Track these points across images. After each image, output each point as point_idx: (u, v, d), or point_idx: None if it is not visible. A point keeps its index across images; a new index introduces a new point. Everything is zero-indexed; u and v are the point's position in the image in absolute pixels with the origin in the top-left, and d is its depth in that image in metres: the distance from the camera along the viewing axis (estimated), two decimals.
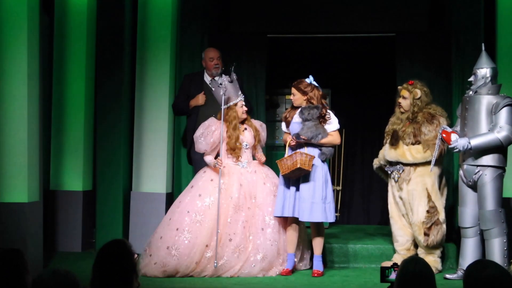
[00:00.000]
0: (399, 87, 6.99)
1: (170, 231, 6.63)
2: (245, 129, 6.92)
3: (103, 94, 8.07)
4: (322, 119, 6.72)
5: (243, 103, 6.89)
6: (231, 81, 6.83)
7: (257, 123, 7.07)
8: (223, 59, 7.73)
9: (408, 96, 6.85)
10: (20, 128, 6.48)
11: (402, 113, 6.92)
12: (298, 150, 6.62)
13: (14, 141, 6.47)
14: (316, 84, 6.78)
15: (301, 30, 8.73)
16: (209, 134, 6.78)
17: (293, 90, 6.79)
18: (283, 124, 6.96)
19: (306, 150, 6.67)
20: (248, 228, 6.66)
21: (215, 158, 6.80)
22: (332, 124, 6.77)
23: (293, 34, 8.86)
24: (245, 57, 8.38)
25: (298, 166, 6.46)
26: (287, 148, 6.77)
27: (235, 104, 6.83)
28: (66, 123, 8.04)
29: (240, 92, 6.91)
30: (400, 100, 6.92)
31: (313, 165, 6.59)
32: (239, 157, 6.81)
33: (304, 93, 6.73)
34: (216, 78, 7.14)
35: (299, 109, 6.76)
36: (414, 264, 3.44)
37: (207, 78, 7.65)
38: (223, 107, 6.75)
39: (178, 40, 8.15)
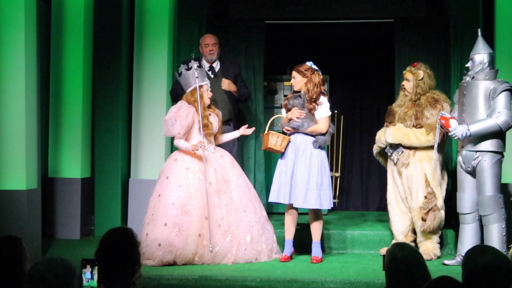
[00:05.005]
0: (404, 71, 6.99)
1: (157, 227, 6.50)
2: (210, 115, 6.89)
3: (101, 81, 8.05)
4: (314, 103, 6.71)
5: (209, 87, 6.87)
6: (188, 69, 6.80)
7: (217, 110, 7.06)
8: (221, 45, 7.71)
9: (411, 78, 6.84)
10: (18, 115, 6.47)
11: (406, 96, 6.91)
12: (270, 131, 6.72)
13: (13, 128, 6.46)
14: (317, 68, 6.77)
15: (300, 16, 8.69)
16: (182, 116, 6.70)
17: (294, 73, 6.77)
18: (283, 111, 6.94)
19: (297, 137, 6.70)
20: (231, 211, 6.66)
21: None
22: (321, 110, 6.74)
23: (292, 20, 8.82)
24: (243, 43, 8.36)
25: (268, 146, 6.69)
26: (267, 125, 6.83)
27: (201, 86, 6.78)
28: (64, 110, 8.01)
29: (205, 77, 6.90)
30: (404, 82, 6.91)
31: (288, 143, 6.68)
32: (209, 141, 6.78)
33: (304, 75, 6.72)
34: (184, 65, 7.01)
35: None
36: (402, 250, 3.42)
37: (205, 64, 7.63)
38: (197, 84, 6.72)
39: (176, 27, 8.12)
